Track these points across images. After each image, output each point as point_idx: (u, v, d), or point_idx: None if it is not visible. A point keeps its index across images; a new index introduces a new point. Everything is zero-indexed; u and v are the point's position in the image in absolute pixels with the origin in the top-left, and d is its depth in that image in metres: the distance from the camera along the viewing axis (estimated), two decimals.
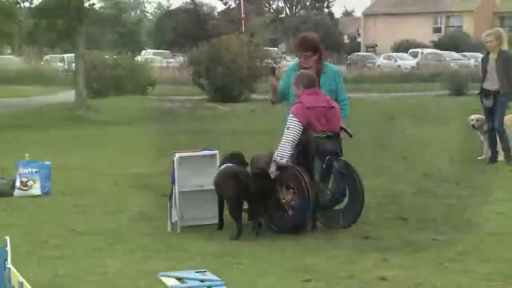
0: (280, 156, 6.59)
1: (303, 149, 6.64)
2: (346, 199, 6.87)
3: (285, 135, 6.61)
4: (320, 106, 6.69)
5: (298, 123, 6.59)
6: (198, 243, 6.37)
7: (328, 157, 6.59)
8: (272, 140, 7.89)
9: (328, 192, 6.61)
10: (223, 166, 6.84)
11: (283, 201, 6.64)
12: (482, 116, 10.89)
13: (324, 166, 6.58)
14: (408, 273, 5.43)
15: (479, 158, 10.84)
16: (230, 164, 6.81)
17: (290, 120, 6.64)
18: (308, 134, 6.63)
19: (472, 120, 11.03)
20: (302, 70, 7.04)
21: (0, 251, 3.86)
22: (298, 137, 6.58)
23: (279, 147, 6.62)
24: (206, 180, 7.10)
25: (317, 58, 7.09)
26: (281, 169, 6.62)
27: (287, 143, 6.59)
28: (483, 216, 7.31)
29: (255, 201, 6.61)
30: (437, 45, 57.48)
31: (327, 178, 6.60)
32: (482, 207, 7.75)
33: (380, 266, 5.60)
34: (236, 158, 6.92)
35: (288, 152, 6.58)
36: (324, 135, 6.70)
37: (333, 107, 6.81)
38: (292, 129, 6.60)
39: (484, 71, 10.60)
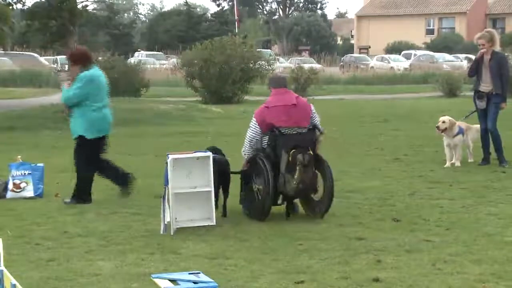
0: (244, 151, 7.49)
1: (274, 146, 7.31)
2: (320, 192, 7.40)
3: (246, 134, 7.45)
4: (280, 104, 7.36)
5: (255, 123, 7.38)
6: (192, 244, 6.37)
7: (293, 150, 7.12)
8: None
9: (294, 182, 7.11)
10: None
11: (255, 190, 7.30)
12: (450, 118, 10.70)
13: (289, 158, 7.13)
14: (401, 274, 5.45)
15: (444, 166, 10.50)
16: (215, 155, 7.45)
17: (251, 121, 7.44)
18: (276, 131, 7.29)
19: (439, 121, 10.59)
20: (275, 73, 7.94)
21: None
22: (256, 134, 7.38)
23: (243, 144, 7.48)
24: (199, 181, 7.11)
25: (77, 68, 8.41)
26: (252, 163, 7.37)
27: (246, 141, 7.44)
28: (475, 217, 7.33)
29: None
30: (430, 46, 57.68)
31: (293, 170, 7.12)
32: (475, 208, 7.77)
33: (373, 267, 5.62)
34: (217, 151, 7.68)
35: (248, 147, 7.41)
36: (293, 132, 7.31)
37: (295, 104, 7.40)
38: (250, 129, 7.42)
39: (478, 73, 10.60)
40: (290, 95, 7.53)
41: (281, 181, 7.14)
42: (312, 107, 7.60)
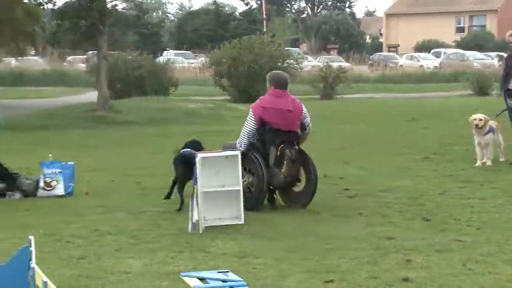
0: (239, 144, 7.73)
1: (262, 139, 7.70)
2: (303, 183, 7.83)
3: (243, 127, 7.77)
4: (277, 108, 7.68)
5: (253, 118, 7.73)
6: (220, 243, 6.37)
7: (281, 145, 7.55)
8: None
9: (282, 176, 7.56)
10: (181, 151, 8.04)
11: (245, 183, 7.52)
12: (484, 115, 10.54)
13: (278, 153, 7.56)
14: (431, 274, 5.40)
15: (475, 165, 10.35)
16: (188, 150, 7.96)
17: (249, 115, 7.79)
18: (267, 126, 7.67)
19: (475, 119, 10.44)
20: (277, 71, 8.43)
21: (24, 251, 3.89)
22: (253, 128, 7.71)
23: (239, 136, 7.76)
24: (228, 180, 7.13)
25: None
26: (243, 156, 7.55)
27: (243, 134, 7.75)
28: (507, 217, 7.24)
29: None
30: (460, 44, 57.10)
31: (281, 164, 7.52)
32: (507, 208, 7.67)
33: (403, 267, 5.57)
34: (195, 144, 8.13)
35: (245, 140, 7.72)
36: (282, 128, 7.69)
37: (290, 110, 7.71)
38: (248, 123, 7.76)
39: (509, 71, 10.47)
40: (287, 99, 7.80)
41: (269, 174, 7.57)
42: (304, 109, 7.94)
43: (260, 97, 8.00)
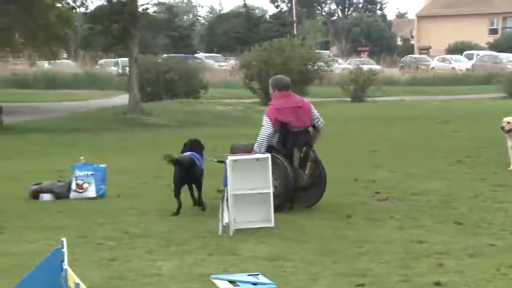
0: (259, 148, 7.80)
1: (283, 141, 7.87)
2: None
3: (260, 132, 7.87)
4: (289, 107, 7.93)
5: (269, 122, 7.87)
6: (250, 246, 6.37)
7: (305, 147, 7.80)
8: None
9: (306, 177, 7.80)
10: (182, 154, 8.08)
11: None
12: None
13: (301, 155, 7.79)
14: (464, 278, 5.33)
15: (509, 169, 10.22)
16: (188, 153, 7.99)
17: (264, 120, 7.93)
18: (287, 129, 7.86)
19: (504, 122, 10.31)
20: (278, 75, 8.67)
21: (57, 252, 3.92)
22: (271, 132, 7.84)
23: (257, 141, 7.86)
24: (258, 183, 7.12)
25: None
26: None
27: (262, 138, 7.85)
28: None
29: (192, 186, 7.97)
30: (493, 46, 56.43)
31: (305, 165, 7.78)
32: None
33: (435, 271, 5.52)
34: (196, 144, 8.25)
35: (265, 144, 7.81)
36: (300, 129, 7.91)
37: (301, 106, 8.01)
38: (265, 128, 7.88)
39: None
40: (294, 97, 8.12)
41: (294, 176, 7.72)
42: (311, 106, 8.19)
43: (270, 103, 8.16)
